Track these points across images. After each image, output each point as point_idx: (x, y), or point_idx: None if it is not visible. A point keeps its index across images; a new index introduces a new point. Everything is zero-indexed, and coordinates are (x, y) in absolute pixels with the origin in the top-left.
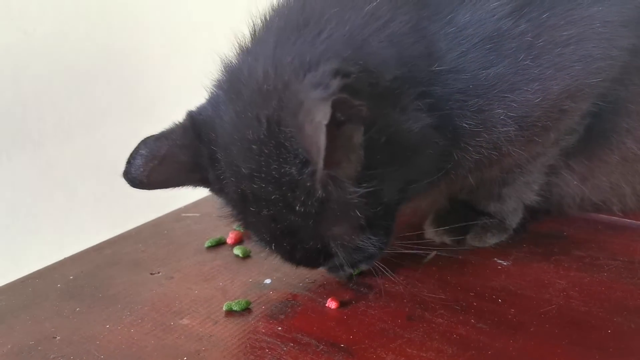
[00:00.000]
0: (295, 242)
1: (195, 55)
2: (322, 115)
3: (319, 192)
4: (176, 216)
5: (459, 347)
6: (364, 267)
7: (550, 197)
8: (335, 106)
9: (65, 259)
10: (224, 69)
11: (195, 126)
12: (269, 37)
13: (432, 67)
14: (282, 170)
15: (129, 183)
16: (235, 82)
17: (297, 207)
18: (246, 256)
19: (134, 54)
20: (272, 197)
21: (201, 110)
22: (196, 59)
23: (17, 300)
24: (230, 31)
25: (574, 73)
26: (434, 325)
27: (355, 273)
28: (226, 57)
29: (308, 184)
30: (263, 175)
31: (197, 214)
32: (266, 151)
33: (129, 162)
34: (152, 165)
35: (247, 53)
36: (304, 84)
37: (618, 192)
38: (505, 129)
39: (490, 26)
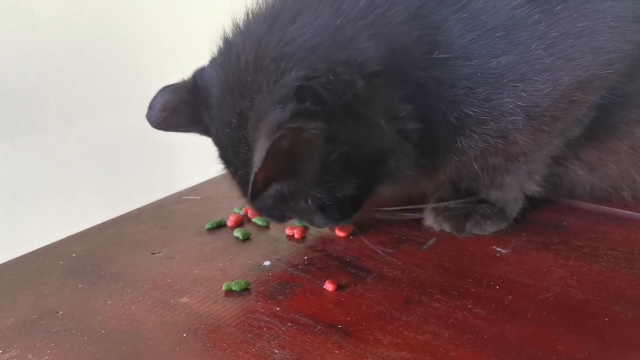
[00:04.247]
0: (260, 206)
1: (199, 42)
2: (265, 140)
3: (276, 188)
4: (177, 199)
5: (456, 331)
6: (318, 226)
7: (560, 186)
8: (285, 135)
9: (68, 237)
10: (222, 40)
11: (197, 89)
12: (263, 20)
13: (432, 54)
14: (248, 156)
15: (150, 124)
16: (226, 59)
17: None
18: (246, 238)
19: (138, 39)
20: (239, 172)
21: (203, 73)
22: (200, 46)
23: (20, 276)
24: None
25: (584, 64)
26: (431, 309)
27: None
28: (225, 29)
29: None
30: (236, 152)
31: (198, 197)
32: (236, 138)
33: (149, 107)
34: (165, 115)
35: (241, 32)
36: (268, 98)
37: (628, 179)
38: (513, 118)
39: (503, 14)
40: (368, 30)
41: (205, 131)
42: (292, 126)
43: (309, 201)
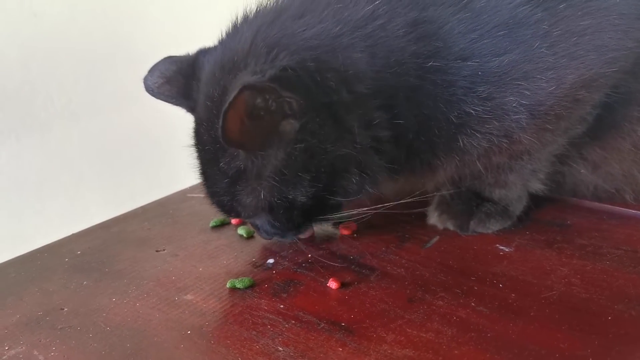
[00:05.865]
0: (212, 189)
1: (204, 41)
2: (231, 96)
3: (240, 162)
4: (182, 196)
5: (459, 329)
6: (263, 235)
7: (564, 185)
8: (257, 91)
9: (73, 234)
10: (231, 25)
11: (196, 63)
12: (268, 13)
13: (427, 63)
14: None
15: (145, 88)
16: (227, 40)
17: (221, 164)
18: (250, 236)
19: (142, 37)
20: (207, 148)
21: (206, 51)
22: (205, 44)
23: (26, 273)
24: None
25: (588, 62)
26: (434, 307)
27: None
28: (236, 17)
29: (235, 152)
30: (209, 127)
31: (202, 195)
32: (214, 111)
33: (149, 72)
34: (161, 82)
35: (247, 21)
36: (248, 70)
37: (631, 181)
38: (517, 116)
39: (506, 13)
40: (364, 42)
41: (191, 108)
42: (268, 84)
43: (261, 193)
